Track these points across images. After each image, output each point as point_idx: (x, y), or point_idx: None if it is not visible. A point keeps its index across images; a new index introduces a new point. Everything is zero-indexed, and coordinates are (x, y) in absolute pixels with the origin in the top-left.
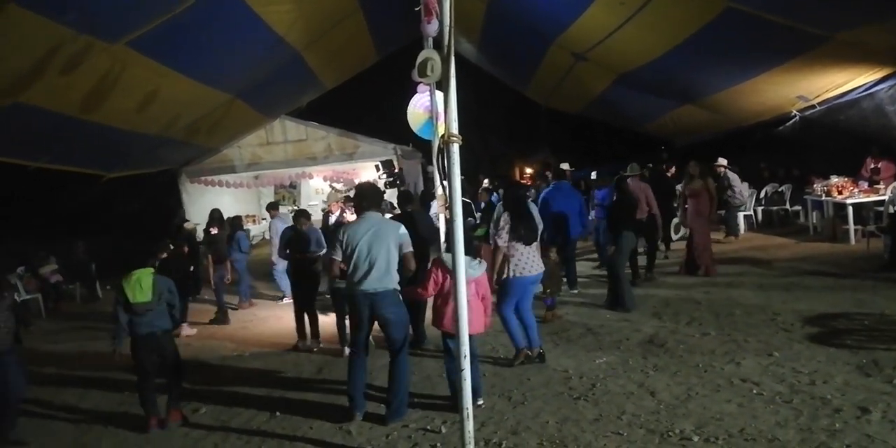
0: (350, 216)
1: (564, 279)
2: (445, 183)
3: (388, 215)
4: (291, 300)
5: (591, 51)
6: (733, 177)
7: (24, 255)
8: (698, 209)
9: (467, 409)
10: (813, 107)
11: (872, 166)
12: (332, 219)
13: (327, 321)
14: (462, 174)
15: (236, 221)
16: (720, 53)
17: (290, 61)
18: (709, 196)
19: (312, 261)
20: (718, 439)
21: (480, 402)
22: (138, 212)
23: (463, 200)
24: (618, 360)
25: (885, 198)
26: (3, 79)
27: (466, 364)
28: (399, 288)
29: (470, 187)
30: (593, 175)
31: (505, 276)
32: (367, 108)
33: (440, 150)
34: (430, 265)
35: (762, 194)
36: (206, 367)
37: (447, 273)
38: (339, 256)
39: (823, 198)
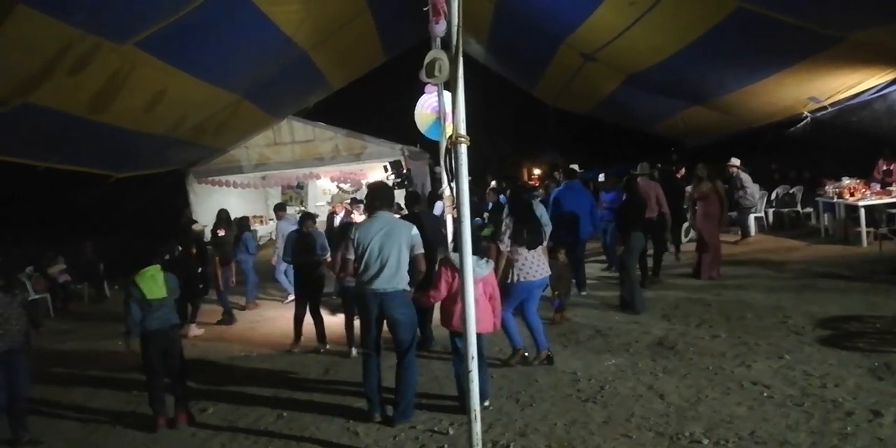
0: (358, 217)
1: (573, 281)
2: (453, 184)
3: (395, 216)
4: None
5: (600, 51)
6: (745, 177)
7: (33, 255)
8: (707, 212)
9: (475, 410)
10: (825, 108)
11: (885, 168)
12: (337, 220)
13: (335, 322)
14: (469, 175)
15: (243, 222)
16: (730, 54)
17: (297, 61)
18: (718, 198)
19: (317, 264)
20: (728, 442)
21: (487, 403)
22: (146, 212)
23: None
24: (627, 363)
25: None
26: (13, 79)
27: (474, 365)
28: (409, 289)
29: (477, 188)
30: (601, 177)
31: (509, 280)
32: (375, 108)
33: (448, 151)
34: (437, 266)
35: (773, 196)
36: (214, 367)
37: (456, 272)
38: (351, 255)
39: (835, 200)
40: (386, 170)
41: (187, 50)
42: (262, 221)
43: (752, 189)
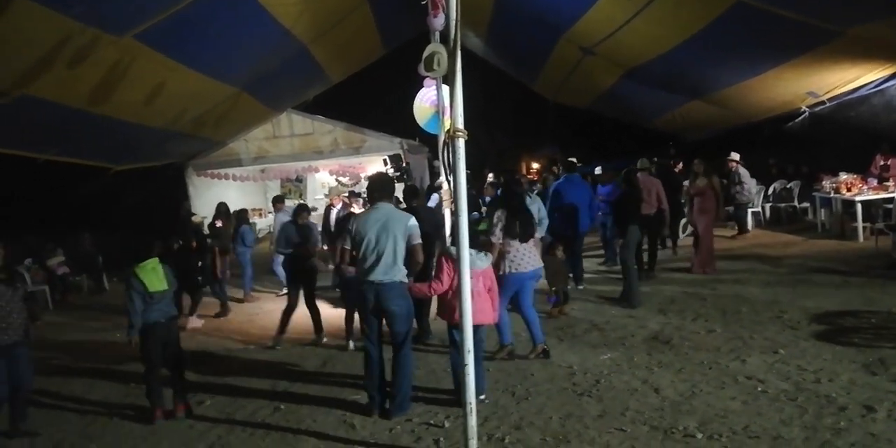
0: (357, 210)
1: (570, 275)
2: (450, 177)
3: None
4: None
5: (599, 45)
6: (744, 173)
7: (32, 247)
8: (703, 207)
9: (471, 403)
10: (823, 103)
11: (882, 163)
12: (334, 213)
13: (334, 314)
14: (468, 169)
15: (242, 215)
16: (729, 48)
17: (296, 55)
18: (714, 194)
19: (309, 255)
20: (722, 437)
21: (483, 397)
22: (145, 204)
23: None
24: (622, 357)
25: (895, 195)
26: (12, 71)
27: (470, 358)
28: (406, 280)
29: (476, 182)
30: (598, 170)
31: (501, 272)
32: (374, 102)
33: (445, 145)
34: (435, 259)
35: (770, 191)
36: (212, 359)
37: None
38: (348, 245)
39: (832, 195)
40: (385, 163)
41: (186, 43)
42: (260, 214)
43: (750, 184)
